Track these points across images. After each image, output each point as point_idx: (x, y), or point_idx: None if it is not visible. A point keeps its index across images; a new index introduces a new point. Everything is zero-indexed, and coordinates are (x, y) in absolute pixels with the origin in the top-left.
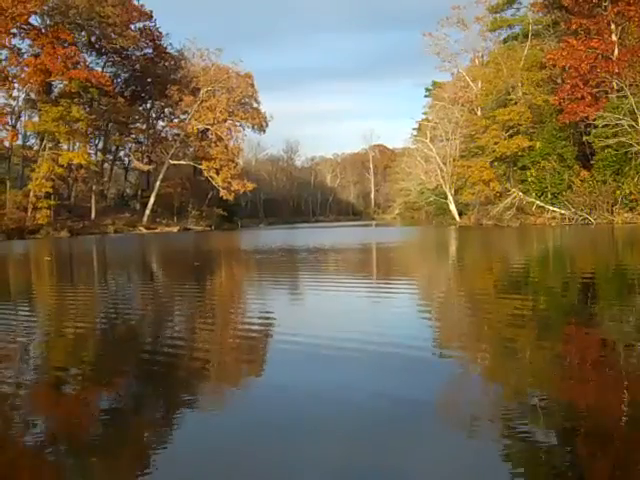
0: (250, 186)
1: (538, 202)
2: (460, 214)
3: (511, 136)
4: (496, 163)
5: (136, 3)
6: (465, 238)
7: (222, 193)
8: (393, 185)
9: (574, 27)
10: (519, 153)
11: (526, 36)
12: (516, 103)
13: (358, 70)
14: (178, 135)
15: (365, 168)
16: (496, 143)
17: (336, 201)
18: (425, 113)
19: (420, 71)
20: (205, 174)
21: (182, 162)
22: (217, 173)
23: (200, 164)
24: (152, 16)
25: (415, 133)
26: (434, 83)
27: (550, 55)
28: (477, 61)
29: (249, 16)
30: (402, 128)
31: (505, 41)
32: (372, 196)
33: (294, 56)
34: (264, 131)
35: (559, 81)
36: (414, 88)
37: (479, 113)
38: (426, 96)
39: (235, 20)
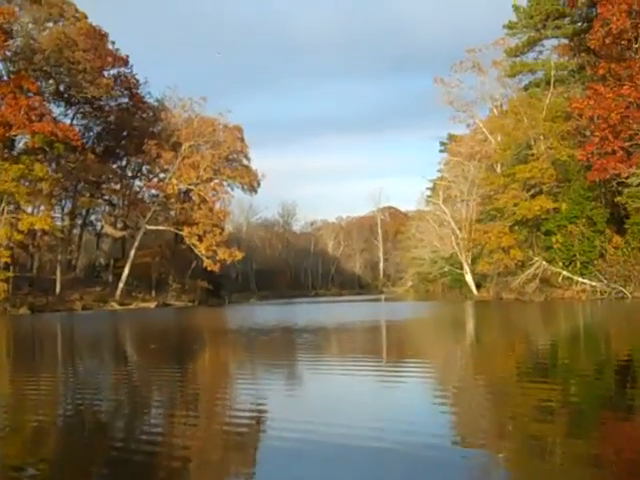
0: (239, 255)
1: (565, 273)
2: (478, 286)
3: (533, 196)
4: (516, 227)
5: (110, 47)
6: (482, 315)
7: (206, 263)
8: (405, 253)
9: (602, 72)
10: (542, 216)
11: (549, 83)
12: (538, 158)
13: (365, 121)
14: (157, 196)
15: (373, 234)
16: (516, 204)
17: (339, 272)
18: (440, 170)
19: (435, 122)
20: (187, 241)
21: (161, 227)
22: (200, 240)
23: (181, 230)
24: (128, 61)
25: (429, 193)
26: (450, 136)
27: (575, 104)
28: (495, 111)
29: (240, 60)
30: (415, 187)
31: (526, 88)
32: (381, 266)
33: (291, 106)
34: (256, 191)
35: (587, 133)
36: (429, 141)
37: (499, 170)
38: (441, 151)
39: (223, 65)
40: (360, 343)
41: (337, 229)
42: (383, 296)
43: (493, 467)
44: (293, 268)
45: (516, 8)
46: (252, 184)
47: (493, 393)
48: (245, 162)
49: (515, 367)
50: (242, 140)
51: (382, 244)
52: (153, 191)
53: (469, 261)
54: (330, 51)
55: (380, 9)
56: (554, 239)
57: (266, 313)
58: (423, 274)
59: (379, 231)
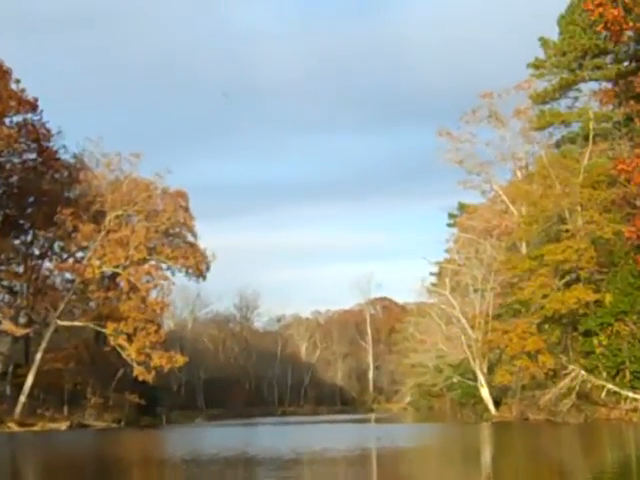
0: (181, 360)
1: (610, 386)
2: (497, 403)
3: (568, 285)
4: (546, 326)
5: (14, 87)
6: (502, 442)
7: (136, 371)
8: (401, 359)
9: None
10: (580, 311)
11: (587, 138)
12: (574, 236)
13: (349, 187)
14: (72, 282)
15: (360, 333)
16: (545, 296)
17: (315, 383)
18: (448, 250)
19: (442, 188)
20: (112, 342)
21: (77, 323)
22: (129, 340)
23: (104, 327)
24: (37, 106)
25: (433, 280)
26: (461, 206)
27: (621, 165)
28: (519, 173)
29: (188, 110)
30: (415, 272)
31: (558, 145)
32: (370, 376)
33: (255, 167)
34: (204, 277)
35: (637, 203)
36: (433, 213)
37: (524, 250)
38: (450, 225)
39: (165, 114)
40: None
41: (313, 327)
42: (373, 416)
43: None
44: (254, 378)
45: (544, 42)
46: (199, 267)
47: None
48: (190, 239)
49: None
50: (186, 210)
51: (372, 347)
52: (68, 275)
53: (485, 370)
54: (304, 100)
55: (366, 49)
56: (596, 341)
57: (212, 438)
58: (425, 387)
59: (368, 330)
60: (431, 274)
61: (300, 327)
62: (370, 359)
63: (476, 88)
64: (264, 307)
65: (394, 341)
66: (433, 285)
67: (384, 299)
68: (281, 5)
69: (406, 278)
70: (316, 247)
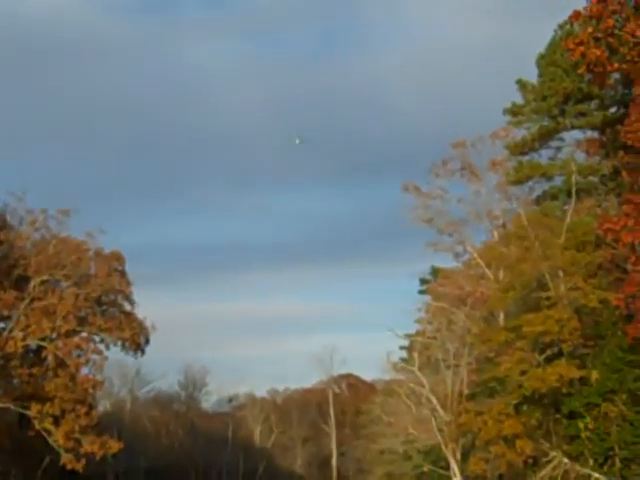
0: (115, 447)
1: (598, 475)
2: None
3: (549, 360)
4: (525, 407)
5: None
6: None
7: (64, 459)
8: (369, 444)
9: None
10: (563, 390)
11: (570, 193)
12: (555, 304)
13: (310, 250)
14: None
15: (322, 415)
16: (524, 373)
17: (271, 472)
18: (419, 321)
19: (412, 251)
20: (37, 426)
21: None
22: (57, 424)
23: (27, 408)
24: None
25: (404, 355)
26: (434, 270)
27: (608, 224)
28: (496, 233)
29: (128, 161)
30: (384, 346)
31: (538, 201)
32: (334, 463)
33: (202, 226)
34: (142, 351)
35: (626, 267)
36: (403, 279)
37: (501, 320)
38: (421, 292)
39: (99, 165)
40: None
41: (268, 408)
42: None
43: None
44: (201, 466)
45: (523, 85)
46: (136, 340)
47: None
48: (127, 307)
49: None
50: (122, 274)
51: (336, 430)
52: None
53: (458, 457)
54: (260, 152)
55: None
56: (581, 424)
57: None
58: (396, 476)
59: (331, 411)
60: (401, 348)
61: (254, 408)
62: (333, 444)
63: (450, 137)
64: (213, 385)
65: (361, 424)
66: (403, 360)
67: (349, 376)
68: (239, 44)
69: (374, 353)
70: (273, 318)
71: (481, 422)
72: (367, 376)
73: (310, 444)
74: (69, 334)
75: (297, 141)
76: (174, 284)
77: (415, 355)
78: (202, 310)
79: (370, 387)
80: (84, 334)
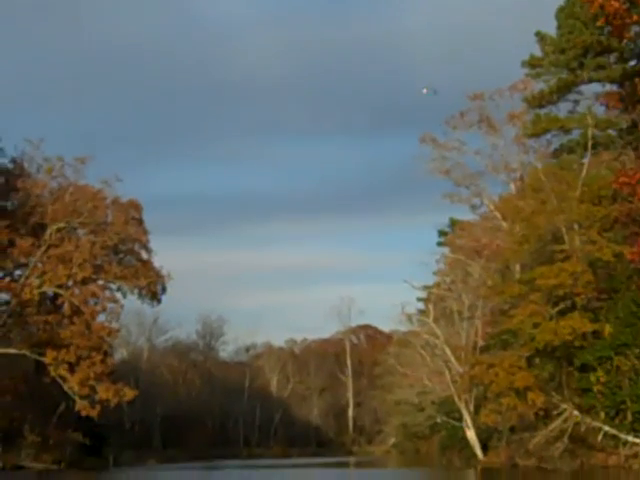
0: (130, 394)
1: (608, 428)
2: (485, 446)
3: (562, 313)
4: (537, 360)
5: None
6: None
7: (79, 406)
8: (385, 395)
9: None
10: (576, 343)
11: (588, 147)
12: (569, 258)
13: (329, 201)
14: (7, 303)
15: (340, 365)
16: (536, 325)
17: (287, 422)
18: (437, 273)
19: (431, 203)
20: (52, 372)
21: (12, 350)
22: (72, 371)
23: (43, 355)
24: None
25: (421, 307)
26: (452, 222)
27: (624, 178)
28: (513, 186)
29: (148, 112)
30: (402, 298)
31: (556, 154)
32: (350, 414)
33: (220, 178)
34: (159, 300)
35: None
36: (423, 231)
37: (517, 273)
38: (439, 244)
39: (120, 113)
40: None
41: (286, 357)
42: (352, 459)
43: None
44: (218, 415)
45: (542, 38)
46: (153, 288)
47: None
48: (143, 256)
49: None
50: (139, 223)
51: (353, 381)
52: (3, 295)
53: (471, 409)
54: (282, 105)
55: (349, 49)
56: (594, 378)
57: None
58: (411, 427)
59: (348, 362)
60: (418, 300)
61: (271, 358)
62: (350, 395)
63: (468, 90)
64: (231, 335)
65: (377, 375)
66: (420, 312)
67: (367, 327)
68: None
69: (392, 304)
70: (291, 268)
71: (493, 374)
72: (385, 327)
73: (327, 394)
74: (85, 282)
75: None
76: (192, 234)
77: (430, 307)
78: (220, 260)
79: (388, 338)
80: (100, 282)
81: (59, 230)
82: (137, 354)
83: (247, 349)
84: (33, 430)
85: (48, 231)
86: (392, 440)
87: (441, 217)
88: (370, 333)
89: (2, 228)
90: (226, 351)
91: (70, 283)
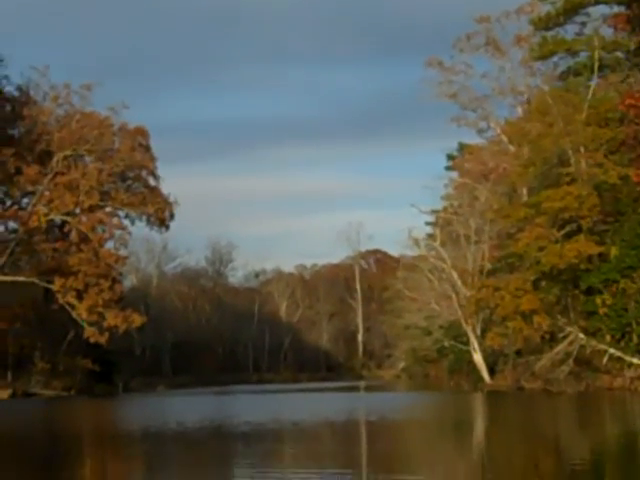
0: (138, 320)
1: (613, 350)
2: (492, 370)
3: (568, 236)
4: (543, 283)
5: None
6: (492, 415)
7: (87, 333)
8: (394, 320)
9: None
10: (582, 266)
11: (594, 69)
12: (575, 180)
13: (337, 126)
14: (15, 231)
15: (350, 290)
16: (542, 249)
17: (297, 347)
18: (445, 197)
19: (439, 128)
20: (60, 300)
21: (20, 278)
22: (80, 298)
23: (51, 282)
24: None
25: (430, 231)
26: (461, 147)
27: (630, 100)
28: (520, 109)
29: (154, 37)
30: (410, 223)
31: (563, 77)
32: (359, 339)
33: (228, 104)
34: (166, 226)
35: None
36: (431, 156)
37: (524, 197)
38: (448, 168)
39: (127, 38)
40: (328, 453)
41: (295, 283)
42: (362, 384)
43: None
44: (228, 341)
45: None
46: (161, 215)
47: None
48: (151, 183)
49: None
50: (147, 150)
51: (362, 306)
52: (11, 224)
53: (478, 332)
54: (293, 31)
55: None
56: (599, 301)
57: (174, 408)
58: (420, 351)
59: (357, 287)
60: (427, 224)
61: (281, 283)
62: (359, 320)
63: (474, 12)
64: (240, 261)
65: (386, 299)
66: (428, 236)
67: (377, 252)
68: None
69: (401, 229)
70: (300, 194)
71: (498, 298)
72: (394, 252)
73: (336, 319)
74: (92, 209)
75: None
76: (201, 161)
77: (437, 231)
78: (229, 186)
79: (397, 263)
80: (107, 209)
81: (66, 158)
82: (146, 281)
83: (256, 275)
84: (43, 357)
85: (55, 159)
86: (401, 364)
87: (450, 142)
88: (379, 258)
89: (8, 156)
90: (235, 277)
91: (77, 210)
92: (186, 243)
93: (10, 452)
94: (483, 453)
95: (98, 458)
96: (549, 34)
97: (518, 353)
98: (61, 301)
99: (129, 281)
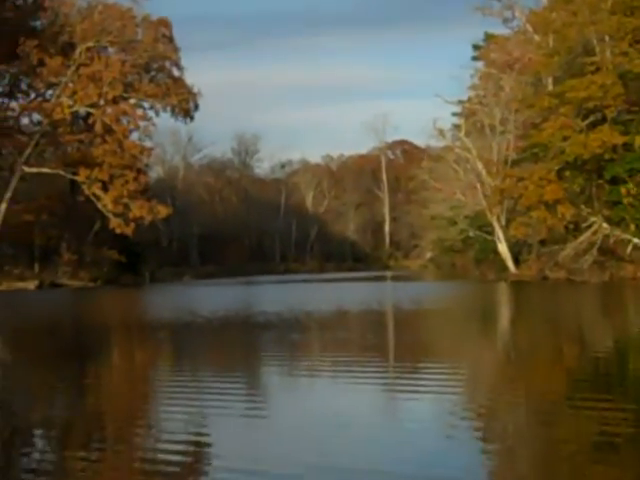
0: (164, 211)
1: (637, 240)
2: (517, 260)
3: (592, 126)
4: (567, 173)
5: None
6: (516, 303)
7: (113, 224)
8: (421, 210)
9: None
10: (606, 156)
11: None
12: (600, 70)
13: (364, 13)
14: (39, 123)
15: (376, 181)
16: (566, 138)
17: (323, 238)
18: (471, 87)
19: (465, 18)
20: (86, 191)
21: (45, 170)
22: (105, 189)
23: (76, 174)
24: None
25: (456, 122)
26: (487, 37)
27: None
28: None
29: None
30: (436, 114)
31: None
32: (386, 229)
33: None
34: (191, 117)
35: None
36: (458, 46)
37: (550, 87)
38: (474, 58)
39: None
40: (355, 341)
41: (322, 174)
42: (389, 273)
43: None
44: (254, 232)
45: None
46: (184, 106)
47: (536, 418)
48: (175, 73)
49: (565, 380)
50: (170, 40)
51: (389, 196)
52: (35, 115)
53: (502, 222)
54: None
55: None
56: (624, 190)
57: (208, 297)
58: (447, 241)
59: (384, 177)
60: (453, 114)
61: (307, 174)
62: (386, 210)
63: None
64: (266, 152)
65: (412, 189)
66: (455, 127)
67: (403, 142)
68: None
69: (427, 120)
70: (327, 85)
71: (522, 187)
72: (421, 143)
73: (363, 210)
74: (116, 100)
75: None
76: (228, 52)
77: (462, 121)
78: (254, 76)
79: (424, 154)
80: (132, 101)
81: (89, 49)
82: (173, 173)
83: (283, 166)
84: (69, 249)
85: (78, 50)
86: (428, 254)
87: (476, 32)
88: (406, 149)
89: (31, 48)
90: (261, 168)
91: (101, 102)
92: (212, 134)
93: (39, 342)
94: (507, 341)
95: (126, 346)
96: None
97: (542, 243)
98: (87, 192)
99: (155, 173)
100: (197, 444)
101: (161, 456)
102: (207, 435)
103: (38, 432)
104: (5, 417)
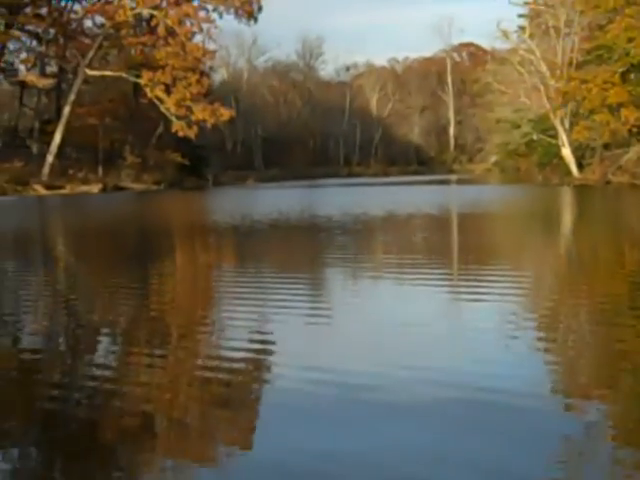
0: (226, 114)
1: None
2: (580, 164)
3: None
4: (632, 75)
5: None
6: (582, 209)
7: (175, 127)
8: (486, 113)
9: None
10: None
11: None
12: None
13: None
14: (102, 26)
15: (441, 84)
16: (631, 40)
17: (387, 141)
18: None
19: None
20: (148, 94)
21: (108, 72)
22: (167, 92)
23: (139, 76)
24: None
25: (522, 23)
26: None
27: None
28: None
29: None
30: (505, 16)
31: None
32: (451, 132)
33: None
34: (254, 19)
35: None
36: None
37: None
38: None
39: None
40: (418, 243)
41: (386, 76)
42: (454, 177)
43: (601, 420)
44: (318, 135)
45: None
46: (248, 8)
47: (598, 322)
48: None
49: (628, 285)
50: None
51: (454, 99)
52: (98, 18)
53: (566, 126)
54: None
55: None
56: None
57: (272, 200)
58: (512, 145)
59: (449, 80)
60: (519, 16)
61: (371, 77)
62: (451, 114)
63: None
64: (331, 54)
65: (477, 93)
66: (520, 28)
67: (469, 45)
68: None
69: (493, 22)
70: None
71: (585, 90)
72: (487, 45)
73: (428, 113)
74: (179, 2)
75: None
76: None
77: (527, 23)
78: None
79: (492, 56)
80: (194, 2)
81: None
82: (237, 76)
83: (347, 68)
84: (133, 152)
85: None
86: (492, 158)
87: None
88: (472, 51)
89: None
90: (326, 71)
91: (164, 4)
92: (276, 37)
93: (102, 245)
94: (571, 245)
95: (189, 248)
96: None
97: (606, 147)
98: (149, 95)
99: (220, 75)
100: (260, 342)
101: (225, 353)
102: (270, 333)
103: (104, 330)
104: (71, 316)
